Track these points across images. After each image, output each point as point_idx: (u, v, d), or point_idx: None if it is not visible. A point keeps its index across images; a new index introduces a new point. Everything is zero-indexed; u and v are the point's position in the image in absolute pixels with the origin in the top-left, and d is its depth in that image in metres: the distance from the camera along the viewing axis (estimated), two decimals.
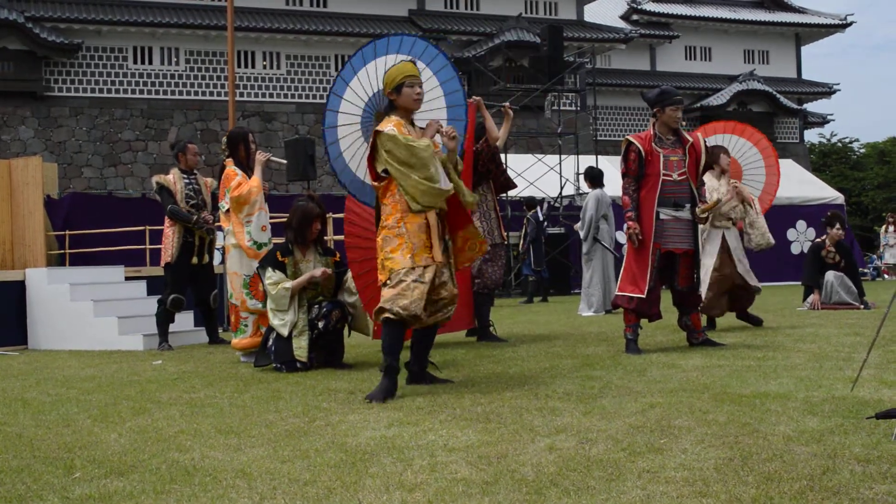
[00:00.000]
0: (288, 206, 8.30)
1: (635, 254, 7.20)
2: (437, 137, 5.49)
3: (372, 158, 5.41)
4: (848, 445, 3.52)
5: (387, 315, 5.19)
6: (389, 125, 5.33)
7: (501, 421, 4.31)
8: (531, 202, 18.03)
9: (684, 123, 7.29)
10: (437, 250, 5.35)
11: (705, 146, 7.46)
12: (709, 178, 8.86)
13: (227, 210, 7.78)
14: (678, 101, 7.33)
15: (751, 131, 9.66)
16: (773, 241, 9.34)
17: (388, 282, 5.28)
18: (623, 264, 7.35)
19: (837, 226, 11.70)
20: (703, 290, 8.59)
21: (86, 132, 31.88)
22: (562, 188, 21.76)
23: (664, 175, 7.18)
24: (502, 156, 9.14)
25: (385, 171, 5.34)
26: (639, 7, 43.04)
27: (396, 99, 5.42)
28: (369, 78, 6.06)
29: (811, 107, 48.29)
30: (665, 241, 7.21)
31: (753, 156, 9.59)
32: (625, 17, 43.58)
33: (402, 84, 5.37)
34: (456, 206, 5.55)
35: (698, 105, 42.44)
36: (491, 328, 8.80)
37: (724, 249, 8.84)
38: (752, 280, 8.94)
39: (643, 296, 7.11)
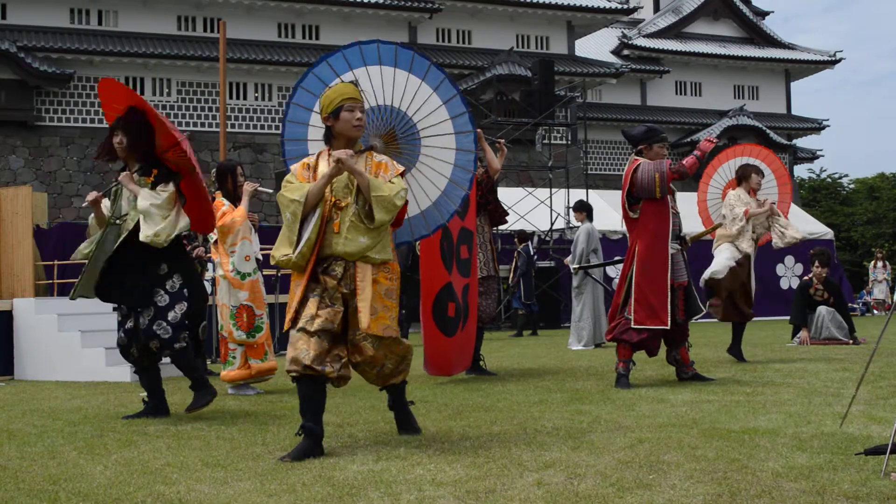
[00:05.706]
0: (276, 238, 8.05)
1: (651, 284, 7.13)
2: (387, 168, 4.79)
3: None
4: (837, 482, 3.51)
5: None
6: (297, 164, 4.90)
7: (490, 455, 4.29)
8: (522, 235, 18.07)
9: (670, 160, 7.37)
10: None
11: None
12: (741, 192, 9.22)
13: (216, 241, 7.79)
14: (664, 139, 7.48)
15: (766, 153, 9.97)
16: (799, 235, 9.50)
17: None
18: (632, 297, 7.18)
19: (816, 263, 11.73)
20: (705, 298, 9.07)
21: (76, 162, 31.86)
22: (552, 222, 21.80)
23: (672, 208, 7.25)
24: None
25: None
26: (630, 42, 43.37)
27: (334, 125, 4.79)
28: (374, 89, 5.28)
29: (801, 142, 48.60)
30: (676, 276, 7.23)
31: (767, 177, 9.88)
32: (616, 52, 43.91)
33: (341, 108, 4.74)
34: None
35: (688, 140, 42.66)
36: (480, 362, 8.78)
37: (741, 264, 9.06)
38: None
39: (668, 326, 7.09)
